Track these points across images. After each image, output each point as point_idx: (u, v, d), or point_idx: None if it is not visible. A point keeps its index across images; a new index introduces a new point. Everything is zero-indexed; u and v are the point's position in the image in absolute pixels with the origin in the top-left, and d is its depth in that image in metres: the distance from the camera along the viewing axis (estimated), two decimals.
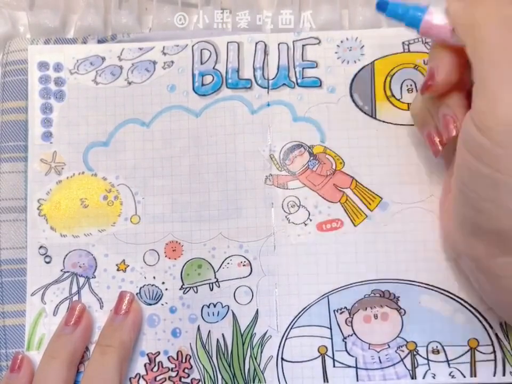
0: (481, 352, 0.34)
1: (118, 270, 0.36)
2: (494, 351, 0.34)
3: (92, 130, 0.38)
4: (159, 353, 0.36)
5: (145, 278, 0.36)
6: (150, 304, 0.36)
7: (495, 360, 0.34)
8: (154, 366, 0.35)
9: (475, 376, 0.34)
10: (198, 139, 0.37)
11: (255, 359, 0.35)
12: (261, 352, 0.35)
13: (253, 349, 0.35)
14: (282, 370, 0.35)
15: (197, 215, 0.37)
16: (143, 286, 0.36)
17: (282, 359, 0.35)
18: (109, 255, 0.37)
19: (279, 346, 0.35)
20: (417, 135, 0.36)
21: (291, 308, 0.35)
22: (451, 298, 0.35)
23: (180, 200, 0.37)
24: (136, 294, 0.36)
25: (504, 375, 0.34)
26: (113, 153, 0.38)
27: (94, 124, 0.38)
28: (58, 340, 0.34)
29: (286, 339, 0.35)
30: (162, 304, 0.36)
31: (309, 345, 0.35)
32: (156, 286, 0.36)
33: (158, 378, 0.35)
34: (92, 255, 0.37)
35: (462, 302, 0.35)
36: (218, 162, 0.37)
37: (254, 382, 0.35)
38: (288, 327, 0.35)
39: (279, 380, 0.35)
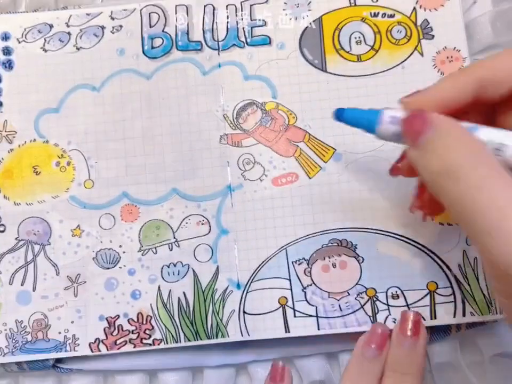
0: (440, 295, 0.34)
1: (73, 235, 0.36)
2: (454, 293, 0.34)
3: (42, 98, 0.37)
4: (118, 316, 0.35)
5: (101, 242, 0.36)
6: (108, 268, 0.36)
7: (454, 301, 0.34)
8: (114, 329, 0.35)
9: (435, 318, 0.34)
10: (150, 101, 0.37)
11: (217, 314, 0.35)
12: (223, 307, 0.35)
13: (214, 304, 0.35)
14: (245, 323, 0.34)
15: (153, 177, 0.36)
16: (99, 250, 0.36)
17: (244, 312, 0.35)
18: (63, 221, 0.36)
19: (240, 300, 0.35)
20: (367, 86, 0.37)
21: (250, 262, 0.35)
22: (408, 243, 0.35)
23: (134, 163, 0.37)
24: (93, 258, 0.36)
25: (464, 315, 0.34)
26: (64, 119, 0.37)
27: (44, 91, 0.38)
28: None
29: (246, 293, 0.35)
30: (120, 267, 0.36)
31: (269, 297, 0.35)
32: (113, 250, 0.36)
33: (118, 342, 0.35)
34: (47, 222, 0.36)
35: (420, 246, 0.35)
36: (172, 124, 0.37)
37: (217, 337, 0.34)
38: (248, 281, 0.35)
39: (241, 333, 0.34)
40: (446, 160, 0.24)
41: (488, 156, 0.24)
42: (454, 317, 0.34)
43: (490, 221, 0.23)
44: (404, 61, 0.37)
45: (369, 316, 0.34)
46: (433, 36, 0.37)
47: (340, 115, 0.30)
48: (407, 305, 0.34)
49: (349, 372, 0.31)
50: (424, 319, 0.34)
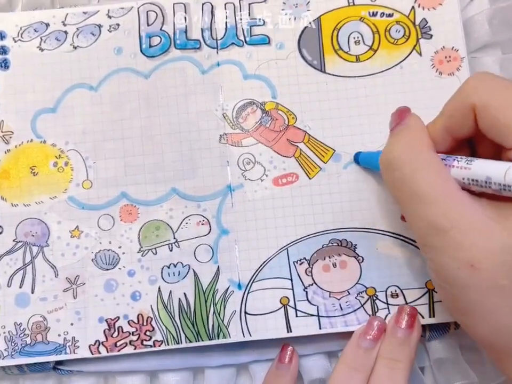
0: None
1: (71, 236, 0.36)
2: None
3: (39, 97, 0.37)
4: (118, 318, 0.35)
5: (100, 243, 0.36)
6: (107, 269, 0.35)
7: None
8: (114, 331, 0.35)
9: (434, 316, 0.35)
10: (149, 101, 0.37)
11: (219, 315, 0.35)
12: (224, 308, 0.35)
13: (215, 305, 0.35)
14: (246, 324, 0.34)
15: (152, 177, 0.36)
16: (98, 252, 0.35)
17: (245, 312, 0.35)
18: (61, 222, 0.36)
19: (242, 301, 0.35)
20: (366, 87, 0.37)
21: (251, 263, 0.35)
22: (407, 243, 0.35)
23: (133, 162, 0.36)
24: (92, 259, 0.35)
25: None
26: (61, 119, 0.37)
27: (40, 90, 0.37)
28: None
29: (248, 293, 0.35)
30: (119, 268, 0.35)
31: (271, 297, 0.35)
32: (112, 251, 0.36)
33: (118, 343, 0.35)
34: (45, 223, 0.36)
35: None
36: (170, 123, 0.37)
37: (218, 338, 0.34)
38: (249, 281, 0.35)
39: (243, 333, 0.34)
40: (391, 152, 0.28)
41: (431, 158, 0.27)
42: None
43: (411, 207, 0.27)
44: (402, 61, 0.37)
45: (369, 315, 0.35)
46: (431, 36, 0.37)
47: (356, 158, 0.35)
48: (406, 303, 0.35)
49: (344, 357, 0.33)
50: (423, 317, 0.34)
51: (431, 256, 0.27)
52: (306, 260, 0.35)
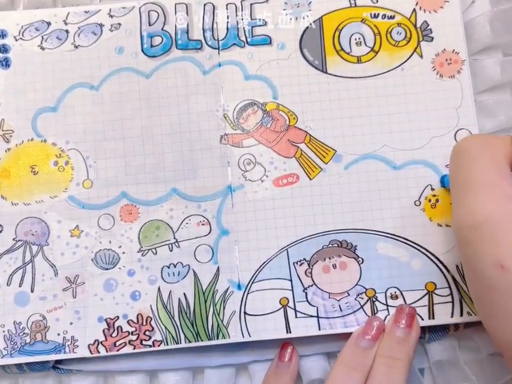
0: (438, 295, 0.35)
1: (71, 236, 0.36)
2: (451, 293, 0.35)
3: (40, 96, 0.37)
4: (118, 317, 0.35)
5: (100, 242, 0.36)
6: (107, 269, 0.35)
7: (452, 301, 0.35)
8: (113, 331, 0.35)
9: (433, 318, 0.35)
10: (150, 101, 0.37)
11: (218, 315, 0.35)
12: (224, 308, 0.35)
13: (215, 305, 0.35)
14: (246, 324, 0.34)
15: (152, 177, 0.36)
16: (98, 251, 0.35)
17: (245, 313, 0.35)
18: (61, 221, 0.36)
19: (241, 301, 0.35)
20: (367, 88, 0.37)
21: (251, 263, 0.35)
22: (407, 244, 0.35)
23: (133, 162, 0.36)
24: (92, 259, 0.35)
25: (461, 315, 0.35)
26: (62, 118, 0.37)
27: (41, 89, 0.37)
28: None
29: (248, 293, 0.35)
30: (119, 268, 0.35)
31: (270, 298, 0.35)
32: (112, 250, 0.36)
33: (117, 343, 0.35)
34: (45, 222, 0.36)
35: (419, 247, 0.35)
36: (171, 124, 0.37)
37: (217, 338, 0.34)
38: (249, 281, 0.35)
39: (242, 334, 0.34)
40: (467, 140, 0.29)
41: (499, 155, 0.27)
42: (452, 316, 0.35)
43: (459, 194, 0.27)
44: (403, 63, 0.37)
45: (369, 316, 0.35)
46: (432, 38, 0.37)
47: (442, 180, 0.35)
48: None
49: (343, 357, 0.33)
50: (423, 319, 0.34)
51: (464, 250, 0.26)
52: (306, 260, 0.35)
